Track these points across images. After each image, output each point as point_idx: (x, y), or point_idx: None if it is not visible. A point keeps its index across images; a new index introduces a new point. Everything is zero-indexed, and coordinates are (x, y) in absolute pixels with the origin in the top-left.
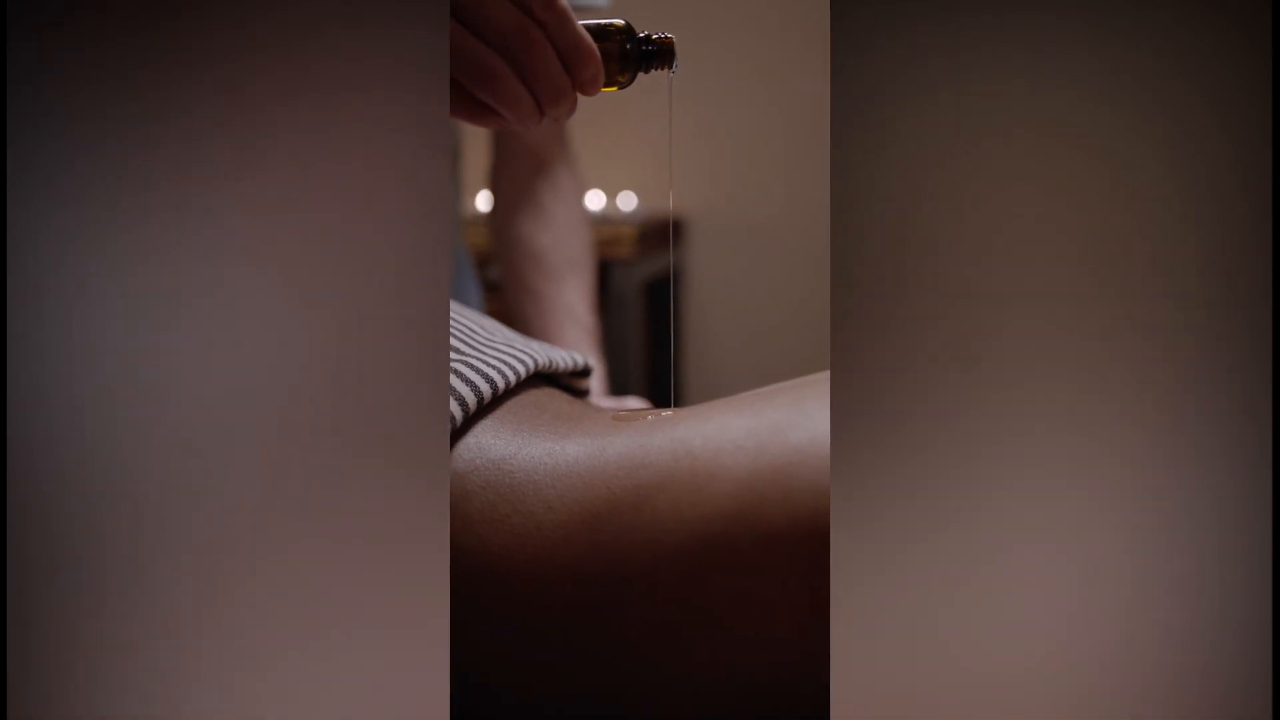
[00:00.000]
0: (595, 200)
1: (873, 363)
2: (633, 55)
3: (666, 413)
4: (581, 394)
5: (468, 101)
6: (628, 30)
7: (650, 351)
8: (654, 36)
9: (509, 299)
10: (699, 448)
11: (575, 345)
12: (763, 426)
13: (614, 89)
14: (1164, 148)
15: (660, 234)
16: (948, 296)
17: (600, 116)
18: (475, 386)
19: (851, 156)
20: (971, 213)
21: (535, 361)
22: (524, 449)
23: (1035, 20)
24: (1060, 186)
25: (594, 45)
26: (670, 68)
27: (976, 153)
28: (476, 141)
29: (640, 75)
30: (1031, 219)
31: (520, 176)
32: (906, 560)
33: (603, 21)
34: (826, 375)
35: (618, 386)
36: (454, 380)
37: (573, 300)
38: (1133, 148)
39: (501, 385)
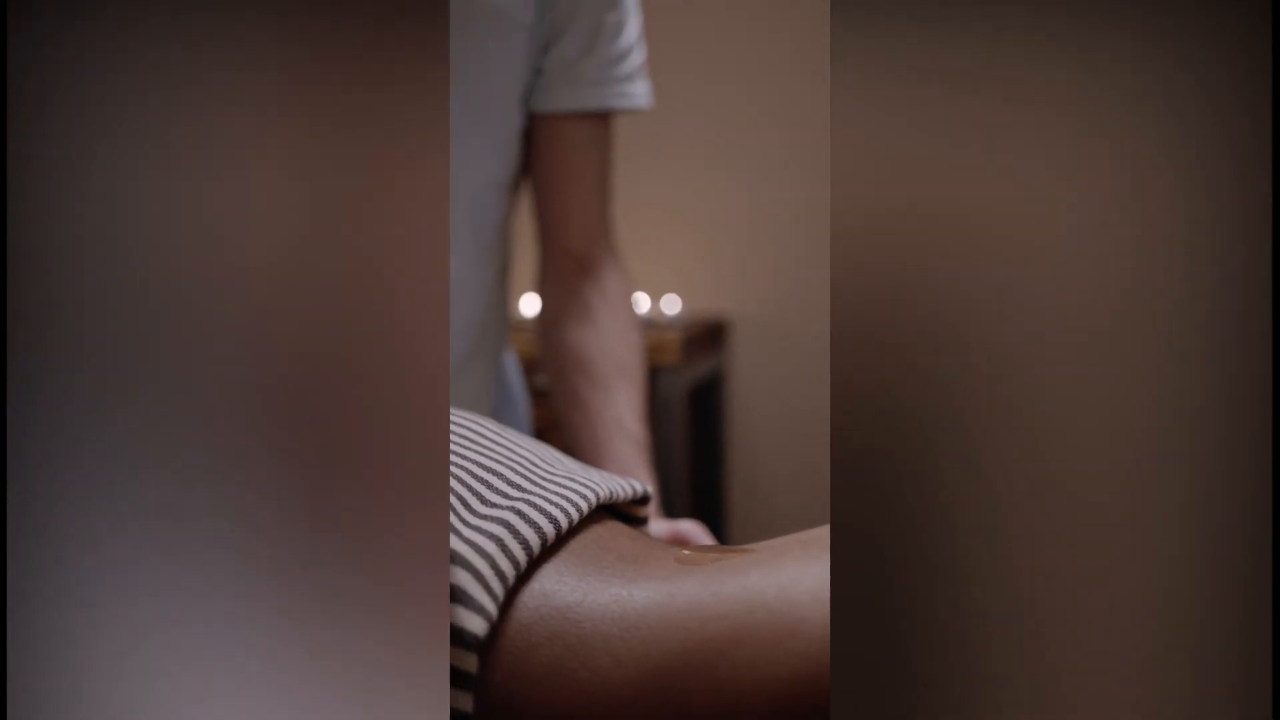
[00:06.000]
0: (640, 304)
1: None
2: None
3: (734, 555)
4: (640, 522)
5: None
6: None
7: (696, 463)
8: None
9: (556, 408)
10: (774, 599)
11: (625, 459)
12: None
13: None
14: (1164, 148)
15: (705, 337)
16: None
17: (645, 218)
18: (539, 528)
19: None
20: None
21: (598, 495)
22: (590, 595)
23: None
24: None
25: None
26: None
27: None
28: (525, 243)
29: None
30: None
31: (566, 280)
32: None
33: None
34: None
35: (665, 504)
36: (517, 521)
37: (622, 410)
38: (1134, 152)
39: (565, 524)
